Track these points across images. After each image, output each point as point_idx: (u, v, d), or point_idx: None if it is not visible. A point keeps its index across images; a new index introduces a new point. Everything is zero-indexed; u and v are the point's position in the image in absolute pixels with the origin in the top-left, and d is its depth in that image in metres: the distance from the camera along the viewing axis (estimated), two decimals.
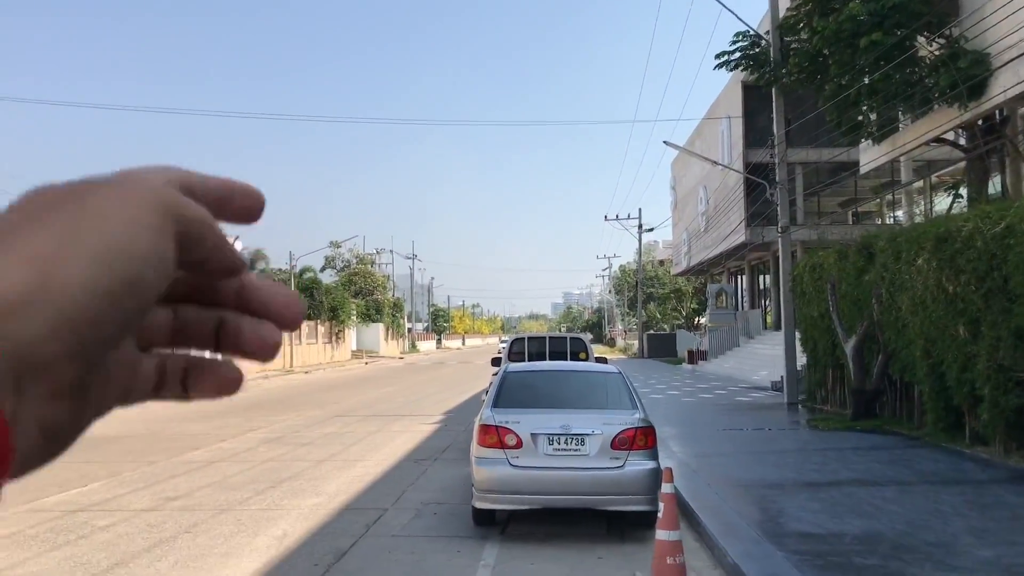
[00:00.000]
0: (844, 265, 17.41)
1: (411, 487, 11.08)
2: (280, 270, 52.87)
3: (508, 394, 8.98)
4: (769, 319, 39.86)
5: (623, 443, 8.18)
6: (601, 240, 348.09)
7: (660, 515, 6.90)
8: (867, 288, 16.22)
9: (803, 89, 20.79)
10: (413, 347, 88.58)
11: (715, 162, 28.36)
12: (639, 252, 67.19)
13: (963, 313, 12.38)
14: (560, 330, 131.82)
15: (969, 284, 12.19)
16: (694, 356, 42.27)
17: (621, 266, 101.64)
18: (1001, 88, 15.50)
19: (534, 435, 8.20)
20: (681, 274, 57.33)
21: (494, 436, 8.26)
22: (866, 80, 17.87)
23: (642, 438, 8.24)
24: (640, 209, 71.95)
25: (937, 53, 16.73)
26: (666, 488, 7.09)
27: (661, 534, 6.85)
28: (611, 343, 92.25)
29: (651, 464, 8.18)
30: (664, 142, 24.61)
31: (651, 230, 63.79)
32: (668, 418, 18.32)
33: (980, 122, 17.94)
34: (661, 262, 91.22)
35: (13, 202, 0.39)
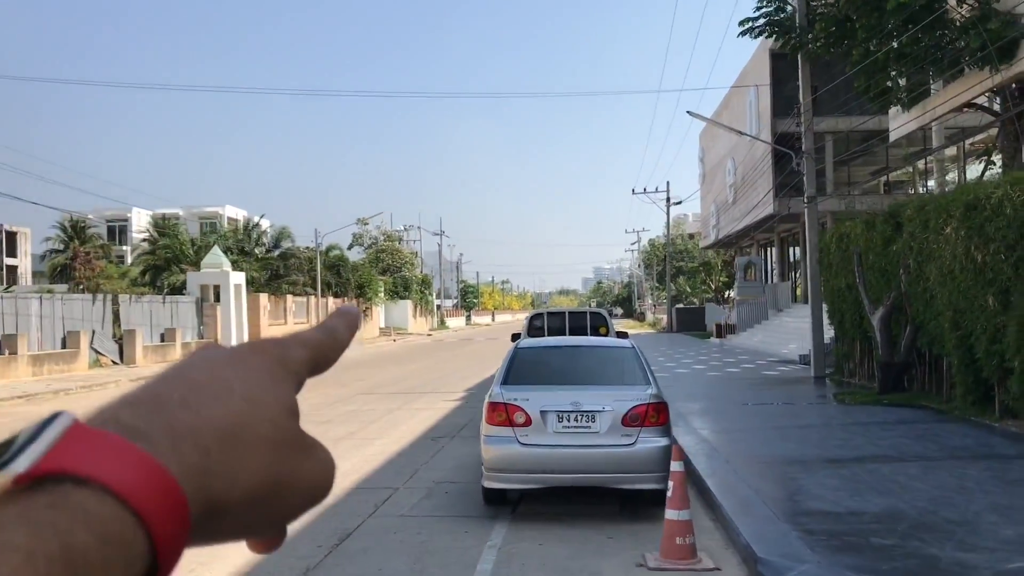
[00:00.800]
0: (871, 235, 16.99)
1: (425, 466, 10.96)
2: (307, 248, 52.94)
3: (518, 371, 8.80)
4: (799, 292, 39.29)
5: (634, 419, 7.96)
6: (630, 214, 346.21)
7: (669, 494, 6.71)
8: (894, 258, 15.81)
9: (829, 55, 20.23)
10: (442, 324, 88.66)
11: (739, 132, 27.82)
12: (667, 226, 66.50)
13: (992, 283, 11.99)
14: (591, 305, 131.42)
15: (999, 253, 11.80)
16: (722, 330, 41.84)
17: (650, 240, 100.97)
18: None
19: (543, 412, 8.01)
20: (709, 247, 56.71)
21: (503, 414, 8.08)
22: (894, 44, 17.34)
23: (654, 414, 8.02)
24: (668, 182, 71.11)
25: (967, 15, 16.17)
26: (675, 466, 6.89)
27: (670, 513, 6.66)
28: (641, 317, 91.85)
29: (663, 441, 7.96)
30: (688, 112, 24.09)
31: (679, 203, 63.16)
32: (692, 393, 18.09)
33: (1013, 85, 17.36)
34: (691, 235, 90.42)
35: (191, 360, 0.51)
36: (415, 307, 75.01)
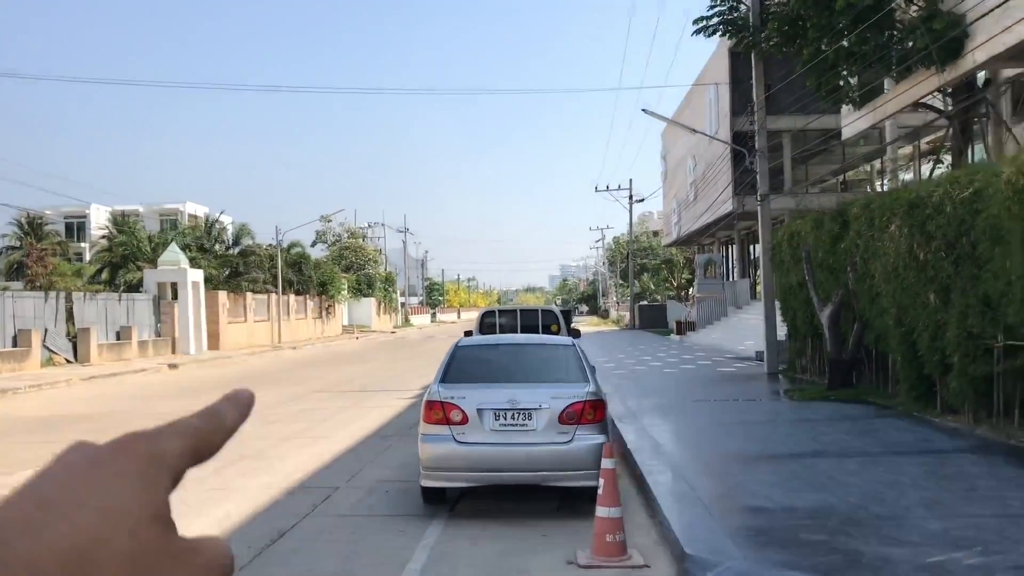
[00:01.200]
0: (820, 233, 17.16)
1: (370, 464, 10.90)
2: (268, 245, 52.48)
3: (457, 369, 8.77)
4: (758, 289, 39.58)
5: (571, 417, 7.97)
6: (595, 211, 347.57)
7: (600, 491, 6.72)
8: (842, 256, 15.98)
9: (781, 55, 20.39)
10: (407, 321, 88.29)
11: (693, 130, 27.97)
12: (630, 223, 66.73)
13: (934, 280, 12.15)
14: (556, 303, 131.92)
15: (939, 251, 11.96)
16: (683, 327, 42.08)
17: (615, 237, 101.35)
18: (973, 48, 15.16)
19: (480, 410, 8.00)
20: (671, 244, 57.00)
21: (439, 412, 8.06)
22: (844, 43, 17.50)
23: (591, 411, 8.03)
24: (631, 179, 71.59)
25: (915, 14, 16.37)
26: (606, 463, 6.90)
27: (601, 511, 6.68)
28: (605, 314, 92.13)
29: (600, 438, 7.97)
30: (643, 110, 24.14)
31: (642, 200, 63.42)
32: (646, 390, 18.15)
33: (964, 85, 17.59)
34: (655, 233, 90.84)
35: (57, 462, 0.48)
36: (379, 305, 74.66)
